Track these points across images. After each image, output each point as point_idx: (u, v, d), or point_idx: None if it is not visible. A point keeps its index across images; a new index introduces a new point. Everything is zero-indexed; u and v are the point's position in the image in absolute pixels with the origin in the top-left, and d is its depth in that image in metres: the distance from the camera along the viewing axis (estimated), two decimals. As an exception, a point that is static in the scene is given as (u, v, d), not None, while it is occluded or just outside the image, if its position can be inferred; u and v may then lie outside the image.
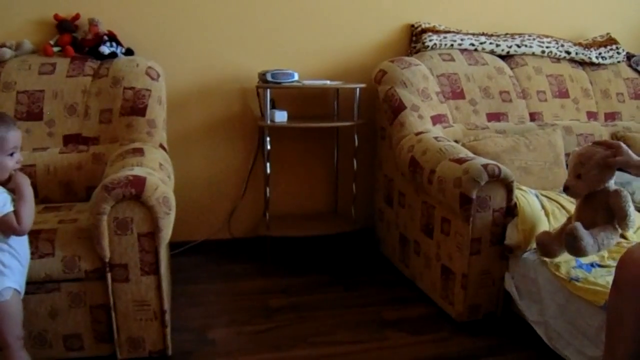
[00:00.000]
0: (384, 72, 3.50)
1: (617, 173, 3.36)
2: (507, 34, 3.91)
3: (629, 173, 2.42)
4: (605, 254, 2.53)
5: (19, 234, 2.00)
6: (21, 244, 2.07)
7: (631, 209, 2.33)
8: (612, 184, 2.41)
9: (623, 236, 2.67)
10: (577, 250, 2.32)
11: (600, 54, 4.01)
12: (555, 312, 2.45)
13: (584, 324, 2.29)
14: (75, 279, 2.32)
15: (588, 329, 2.26)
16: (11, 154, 1.99)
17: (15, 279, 2.03)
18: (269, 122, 3.42)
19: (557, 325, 2.43)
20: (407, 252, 3.33)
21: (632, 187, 3.12)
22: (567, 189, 2.45)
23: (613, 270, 2.35)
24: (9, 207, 1.96)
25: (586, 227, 2.35)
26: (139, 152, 2.73)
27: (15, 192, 2.01)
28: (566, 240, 2.36)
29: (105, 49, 3.17)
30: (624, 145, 2.32)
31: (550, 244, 2.50)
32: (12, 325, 2.03)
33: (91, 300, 2.37)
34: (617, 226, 2.39)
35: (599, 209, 2.40)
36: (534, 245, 2.61)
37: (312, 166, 3.91)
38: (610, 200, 2.37)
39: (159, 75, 3.15)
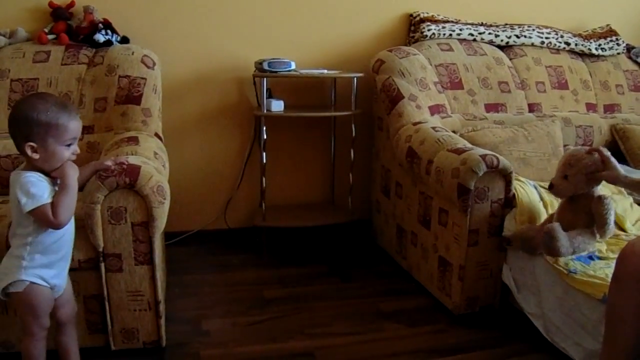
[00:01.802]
0: (382, 62, 3.47)
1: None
2: (506, 24, 3.89)
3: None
4: (604, 247, 2.52)
5: (54, 226, 1.93)
6: (55, 239, 1.99)
7: (611, 217, 2.39)
8: (597, 190, 2.47)
9: (622, 229, 2.67)
10: (552, 249, 2.38)
11: (600, 45, 3.99)
12: (553, 305, 2.44)
13: (582, 317, 2.27)
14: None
15: (586, 322, 2.25)
16: (68, 145, 1.93)
17: (34, 272, 1.97)
18: (265, 111, 3.39)
19: (555, 318, 2.42)
20: (404, 243, 3.31)
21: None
22: (552, 187, 2.51)
23: (612, 262, 2.35)
24: (47, 199, 1.89)
25: (565, 229, 2.40)
26: (134, 140, 2.70)
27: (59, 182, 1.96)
28: (543, 238, 2.41)
29: (101, 37, 3.14)
30: (613, 160, 2.32)
31: (532, 239, 2.51)
32: (33, 316, 2.00)
33: (84, 291, 2.35)
34: (595, 232, 2.45)
35: (581, 212, 2.46)
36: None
37: (308, 156, 3.89)
38: (593, 205, 2.42)
39: (154, 64, 3.12)
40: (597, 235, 2.46)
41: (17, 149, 1.92)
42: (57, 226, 1.93)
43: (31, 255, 1.95)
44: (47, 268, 2.00)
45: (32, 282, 1.97)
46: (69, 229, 2.04)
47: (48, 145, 1.88)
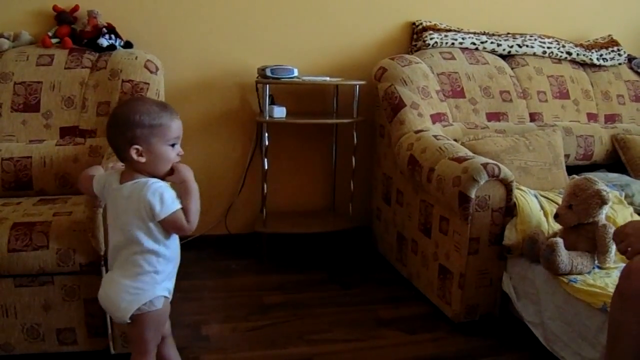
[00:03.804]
0: (384, 70, 3.48)
1: (616, 175, 3.39)
2: (508, 33, 3.90)
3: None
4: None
5: (185, 232, 1.89)
6: (176, 246, 1.98)
7: (613, 247, 2.39)
8: (602, 218, 2.49)
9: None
10: (550, 263, 2.40)
11: (601, 55, 4.00)
12: (553, 314, 2.44)
13: (581, 326, 2.27)
14: (69, 272, 2.30)
15: (586, 331, 2.25)
16: (172, 145, 1.88)
17: (164, 285, 1.94)
18: (267, 117, 3.40)
19: (555, 327, 2.42)
20: (404, 251, 3.31)
21: (632, 190, 3.11)
22: (557, 217, 2.55)
23: (612, 272, 2.37)
24: (177, 204, 1.85)
25: (567, 248, 2.42)
26: (136, 145, 2.70)
27: (179, 187, 1.90)
28: (544, 250, 2.44)
29: (104, 41, 3.15)
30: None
31: (538, 243, 2.53)
32: (155, 333, 1.96)
33: (85, 294, 2.34)
34: (595, 258, 2.47)
35: (584, 237, 2.49)
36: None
37: (310, 163, 3.90)
38: (597, 232, 2.45)
39: (157, 69, 3.13)
40: (596, 261, 2.47)
41: (119, 154, 1.87)
42: (189, 231, 1.89)
43: (162, 267, 1.90)
44: (170, 279, 1.98)
45: (165, 297, 1.95)
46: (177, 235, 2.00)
47: (153, 146, 1.83)
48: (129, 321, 1.90)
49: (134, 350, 1.98)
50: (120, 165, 2.05)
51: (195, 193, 1.90)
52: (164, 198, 1.81)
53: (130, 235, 1.84)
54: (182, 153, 1.93)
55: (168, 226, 1.86)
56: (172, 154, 1.88)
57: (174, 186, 1.89)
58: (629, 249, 1.95)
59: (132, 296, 1.87)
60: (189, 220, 1.86)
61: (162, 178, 1.89)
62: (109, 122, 1.87)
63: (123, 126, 1.81)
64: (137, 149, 1.81)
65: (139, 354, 1.96)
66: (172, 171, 1.90)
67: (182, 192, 1.89)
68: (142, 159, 1.82)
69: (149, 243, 1.85)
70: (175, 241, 1.96)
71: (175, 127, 1.89)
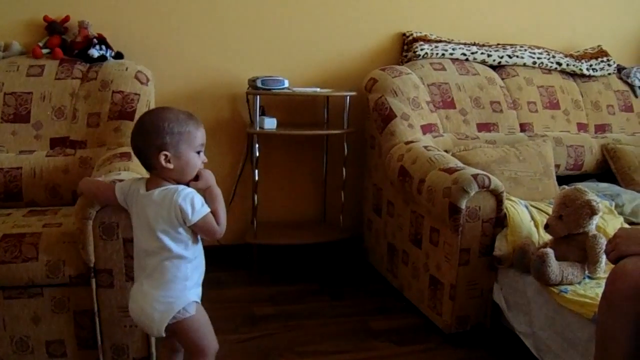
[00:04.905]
0: (375, 81, 3.49)
1: (607, 184, 3.40)
2: (498, 44, 3.91)
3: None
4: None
5: (217, 235, 1.94)
6: (201, 251, 2.01)
7: (604, 257, 2.39)
8: (592, 229, 2.50)
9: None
10: (541, 273, 2.39)
11: (591, 65, 4.02)
12: (543, 324, 2.44)
13: (572, 336, 2.27)
14: (59, 284, 2.28)
15: (577, 341, 2.25)
16: (198, 152, 1.93)
17: (194, 291, 1.97)
18: (258, 128, 3.40)
19: (546, 337, 2.42)
20: (395, 262, 3.31)
21: (622, 200, 3.12)
22: (547, 227, 2.56)
23: (602, 282, 2.36)
24: (207, 208, 1.90)
25: (557, 258, 2.42)
26: (126, 156, 2.69)
27: (205, 192, 1.95)
28: (534, 261, 2.43)
29: (95, 52, 3.15)
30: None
31: (529, 254, 2.53)
32: (208, 334, 1.99)
33: (75, 306, 2.33)
34: (586, 268, 2.47)
35: (575, 247, 2.49)
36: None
37: (300, 174, 3.90)
38: (587, 243, 2.46)
39: (148, 80, 3.13)
40: (587, 271, 2.48)
41: (145, 162, 1.92)
42: (220, 234, 1.94)
43: (192, 273, 1.94)
44: (198, 286, 2.00)
45: (196, 302, 1.97)
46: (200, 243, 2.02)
47: (181, 153, 1.88)
48: (164, 334, 1.93)
49: (194, 355, 2.01)
50: (109, 180, 2.08)
51: (220, 197, 1.97)
52: (194, 203, 1.86)
53: (159, 241, 1.88)
54: (206, 160, 1.98)
55: (200, 230, 1.92)
56: (198, 161, 1.94)
57: (199, 192, 1.93)
58: (613, 251, 1.96)
59: (164, 305, 1.90)
60: (219, 223, 1.93)
61: (187, 184, 1.93)
62: (135, 130, 1.92)
63: (152, 134, 1.86)
64: (165, 155, 1.86)
65: (198, 357, 2.00)
66: (195, 177, 1.95)
67: (208, 197, 1.95)
68: (170, 166, 1.87)
69: (177, 248, 1.89)
70: (200, 249, 2.00)
71: (201, 135, 1.94)
